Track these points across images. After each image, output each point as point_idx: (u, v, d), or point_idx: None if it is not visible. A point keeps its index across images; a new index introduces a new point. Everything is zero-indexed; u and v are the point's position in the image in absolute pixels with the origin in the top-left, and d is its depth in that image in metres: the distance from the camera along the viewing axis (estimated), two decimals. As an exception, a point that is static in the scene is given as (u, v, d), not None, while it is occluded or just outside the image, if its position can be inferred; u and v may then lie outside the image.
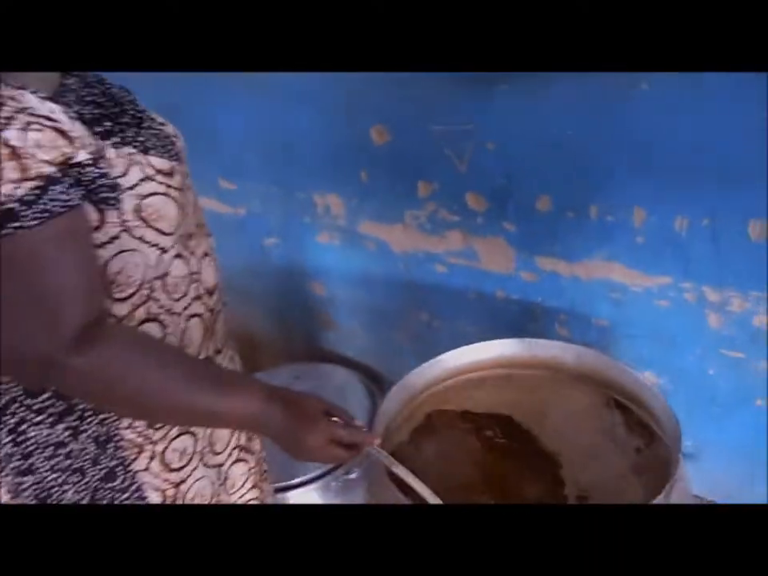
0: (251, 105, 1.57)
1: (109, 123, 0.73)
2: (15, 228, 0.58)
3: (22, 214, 0.58)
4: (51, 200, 0.60)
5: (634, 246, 1.18)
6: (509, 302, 1.41)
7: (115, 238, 0.70)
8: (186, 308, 0.79)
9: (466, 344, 1.09)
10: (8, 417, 0.72)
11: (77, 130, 0.65)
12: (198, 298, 0.81)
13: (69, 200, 0.62)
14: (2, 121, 0.59)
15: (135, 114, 0.80)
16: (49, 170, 0.61)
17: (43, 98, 0.64)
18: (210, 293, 0.85)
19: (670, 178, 1.09)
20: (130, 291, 0.73)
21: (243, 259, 1.86)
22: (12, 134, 0.59)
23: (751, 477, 1.22)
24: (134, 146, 0.73)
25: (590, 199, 1.19)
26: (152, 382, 0.67)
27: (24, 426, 0.72)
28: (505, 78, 1.16)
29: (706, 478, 1.19)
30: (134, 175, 0.71)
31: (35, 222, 0.59)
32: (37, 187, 0.59)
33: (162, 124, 0.84)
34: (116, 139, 0.72)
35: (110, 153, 0.69)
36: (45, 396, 0.71)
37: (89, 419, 0.73)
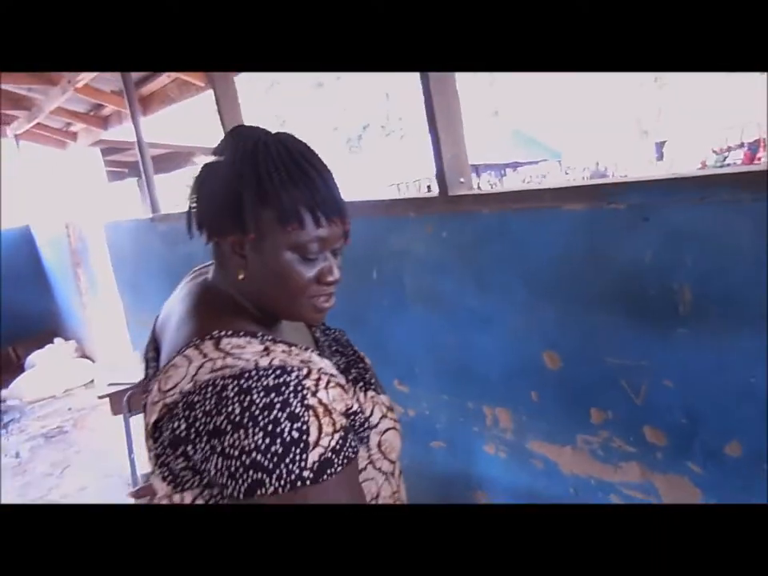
0: (428, 321, 1.72)
1: (354, 370, 0.82)
2: (329, 474, 0.65)
3: (335, 461, 0.66)
4: (349, 447, 0.68)
5: None
6: (696, 549, 1.28)
7: (362, 470, 0.78)
8: None
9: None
10: None
11: (343, 381, 0.74)
12: None
13: (356, 445, 0.70)
14: (313, 383, 0.67)
15: (356, 354, 0.89)
16: (344, 421, 0.69)
17: (319, 354, 0.73)
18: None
19: None
20: None
21: (408, 459, 1.90)
22: (323, 394, 0.67)
23: None
24: (371, 387, 0.82)
25: (789, 451, 1.09)
26: None
27: None
28: (683, 320, 1.17)
29: None
30: (377, 414, 0.80)
31: (340, 468, 0.66)
32: (341, 437, 0.67)
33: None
34: (360, 383, 0.81)
35: (361, 397, 0.78)
36: None
37: None
